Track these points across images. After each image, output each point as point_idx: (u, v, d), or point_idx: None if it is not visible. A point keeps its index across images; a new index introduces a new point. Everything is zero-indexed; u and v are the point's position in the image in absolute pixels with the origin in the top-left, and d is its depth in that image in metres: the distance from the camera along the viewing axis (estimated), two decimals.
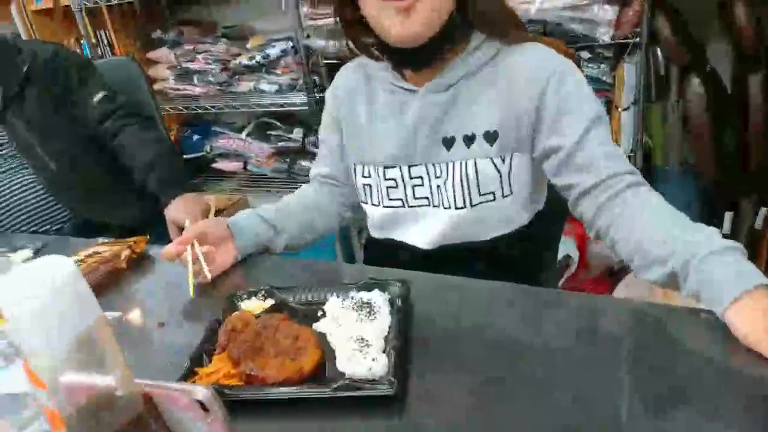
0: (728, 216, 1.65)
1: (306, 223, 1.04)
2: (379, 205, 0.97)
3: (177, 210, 1.29)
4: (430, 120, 0.89)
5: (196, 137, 2.48)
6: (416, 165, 0.92)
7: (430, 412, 0.59)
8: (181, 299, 0.87)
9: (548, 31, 1.55)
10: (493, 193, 0.89)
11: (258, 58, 2.09)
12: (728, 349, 0.63)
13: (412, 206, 0.94)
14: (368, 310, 0.71)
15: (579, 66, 0.92)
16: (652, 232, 0.74)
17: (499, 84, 0.85)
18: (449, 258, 0.93)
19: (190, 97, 2.30)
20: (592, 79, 1.64)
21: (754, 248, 1.70)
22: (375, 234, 1.03)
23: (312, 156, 2.25)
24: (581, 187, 0.82)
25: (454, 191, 0.89)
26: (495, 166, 0.87)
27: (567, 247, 1.78)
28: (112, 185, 1.46)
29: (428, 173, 0.91)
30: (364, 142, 0.96)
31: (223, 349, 0.69)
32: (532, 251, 0.99)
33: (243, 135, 2.36)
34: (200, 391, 0.52)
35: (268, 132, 2.31)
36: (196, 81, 2.26)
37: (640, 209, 0.77)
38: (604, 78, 1.62)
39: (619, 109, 1.63)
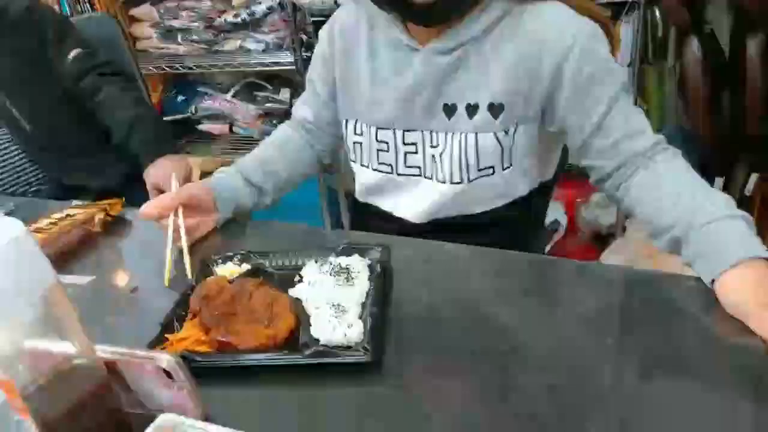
0: (719, 181, 1.63)
1: (289, 176, 1.01)
2: (368, 166, 0.93)
3: (158, 172, 1.25)
4: (431, 83, 0.82)
5: (180, 98, 2.41)
6: (412, 130, 0.86)
7: (406, 379, 0.58)
8: (156, 264, 0.84)
9: None
10: (493, 167, 0.84)
11: (244, 15, 2.02)
12: (713, 316, 0.61)
13: (401, 174, 0.90)
14: (346, 275, 0.69)
15: (608, 26, 0.81)
16: (663, 203, 0.71)
17: (510, 50, 0.78)
18: (439, 231, 0.88)
19: (174, 56, 2.23)
20: None
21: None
22: (362, 199, 1.00)
23: None
24: (603, 171, 0.79)
25: (451, 165, 0.84)
26: (498, 140, 0.82)
27: (555, 212, 1.76)
28: (89, 146, 1.41)
29: (423, 141, 0.86)
30: (359, 99, 0.90)
31: (195, 315, 0.67)
32: (527, 221, 0.95)
33: (229, 96, 2.30)
34: (164, 359, 0.50)
35: (255, 93, 2.25)
36: (180, 39, 2.18)
37: (656, 184, 0.74)
38: None
39: None
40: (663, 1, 1.50)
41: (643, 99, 1.68)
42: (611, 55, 0.78)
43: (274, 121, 2.23)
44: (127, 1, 2.31)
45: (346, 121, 0.94)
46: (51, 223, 0.91)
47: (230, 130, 2.34)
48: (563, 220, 1.76)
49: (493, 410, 0.53)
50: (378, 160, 0.91)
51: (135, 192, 1.24)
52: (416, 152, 0.87)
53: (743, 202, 1.67)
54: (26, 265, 0.43)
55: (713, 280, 0.63)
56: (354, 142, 0.93)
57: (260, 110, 2.23)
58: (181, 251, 0.80)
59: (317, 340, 0.60)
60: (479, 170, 0.84)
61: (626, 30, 1.54)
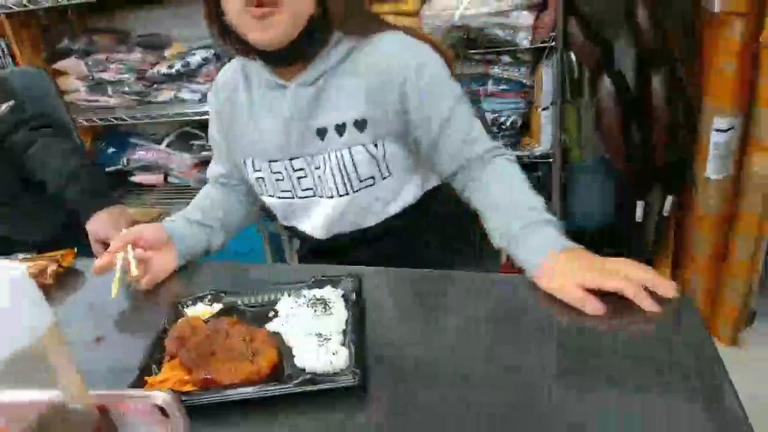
0: (640, 204, 1.78)
1: (228, 217, 1.04)
2: (273, 195, 0.99)
3: (100, 223, 1.22)
4: (302, 113, 0.90)
5: (111, 150, 2.35)
6: (296, 158, 0.94)
7: (394, 400, 0.60)
8: (117, 313, 0.82)
9: (471, 37, 1.61)
10: (373, 178, 0.92)
11: (178, 66, 2.03)
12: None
13: (300, 197, 0.97)
14: (323, 305, 0.71)
15: (447, 56, 0.93)
16: (493, 207, 0.83)
17: (360, 75, 0.87)
18: (343, 245, 0.98)
19: (104, 108, 2.19)
20: (512, 82, 1.72)
21: (663, 232, 1.84)
22: (284, 223, 1.05)
23: None
24: (447, 171, 0.91)
25: (334, 180, 0.92)
26: (369, 152, 0.90)
27: None
28: (21, 200, 1.36)
29: (308, 164, 0.94)
30: (249, 138, 0.97)
31: (172, 357, 0.66)
32: (420, 228, 1.01)
33: (163, 146, 2.27)
34: (160, 396, 0.50)
35: (191, 142, 2.23)
36: (110, 92, 2.15)
37: (487, 189, 0.86)
38: (524, 81, 1.70)
39: (539, 109, 1.72)
40: (576, 46, 1.65)
41: (565, 133, 1.82)
42: (441, 70, 0.89)
43: None
44: (50, 56, 2.26)
45: (244, 161, 0.99)
46: None
47: (165, 180, 2.30)
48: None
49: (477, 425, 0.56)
50: (279, 188, 0.97)
51: (72, 242, 1.20)
52: (306, 176, 0.95)
53: (662, 222, 1.82)
54: (28, 308, 0.42)
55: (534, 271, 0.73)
56: (256, 178, 0.99)
57: (196, 159, 2.22)
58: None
59: (302, 370, 0.62)
60: (360, 181, 0.92)
61: (547, 73, 1.68)
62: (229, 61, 1.78)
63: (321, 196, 0.95)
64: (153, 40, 2.22)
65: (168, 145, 2.26)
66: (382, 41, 0.88)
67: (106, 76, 2.13)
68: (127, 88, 2.12)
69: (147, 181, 2.31)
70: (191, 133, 2.27)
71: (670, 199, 1.74)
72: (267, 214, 1.15)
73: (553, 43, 1.63)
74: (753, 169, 1.52)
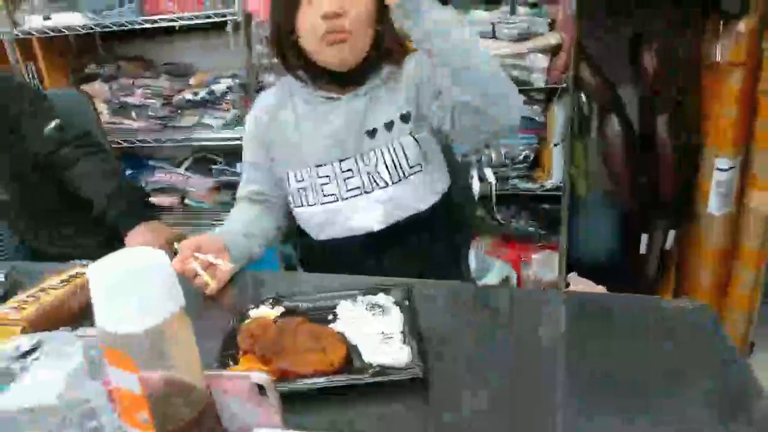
0: (644, 238, 1.86)
1: (264, 232, 1.10)
2: (315, 204, 1.06)
3: (139, 238, 1.28)
4: (355, 120, 1.03)
5: (129, 172, 2.42)
6: (346, 159, 1.04)
7: (453, 392, 0.66)
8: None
9: None
10: (420, 164, 1.03)
11: (203, 93, 2.12)
12: (659, 335, 0.75)
13: (345, 198, 1.04)
14: (381, 309, 0.77)
15: None
16: None
17: (400, 82, 1.05)
18: (398, 235, 1.05)
19: (127, 131, 2.26)
20: (526, 119, 1.82)
21: (666, 265, 1.92)
22: (316, 236, 1.10)
23: None
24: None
25: (387, 170, 1.02)
26: (415, 140, 1.03)
27: (505, 269, 1.91)
28: (64, 216, 1.42)
29: (357, 164, 1.03)
30: (294, 151, 1.07)
31: (245, 353, 0.72)
32: (457, 216, 1.16)
33: (181, 169, 2.34)
34: (258, 376, 0.56)
35: (210, 166, 2.31)
36: (134, 115, 2.23)
37: None
38: (537, 118, 1.81)
39: (551, 145, 1.82)
40: (586, 88, 1.76)
41: (574, 168, 1.92)
42: None
43: (230, 192, 2.28)
44: (77, 80, 2.34)
45: (287, 174, 1.08)
46: (63, 281, 0.92)
47: (181, 202, 2.36)
48: (513, 276, 1.92)
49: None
50: (323, 193, 1.05)
51: None
52: (353, 176, 1.04)
53: (664, 256, 1.90)
54: (165, 288, 0.48)
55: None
56: (298, 189, 1.07)
57: (216, 182, 2.29)
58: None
59: (370, 364, 0.68)
60: (411, 167, 1.03)
61: (559, 111, 1.78)
62: (259, 89, 1.90)
63: (370, 191, 1.03)
64: (178, 68, 2.31)
65: (186, 169, 2.33)
66: (411, 58, 1.06)
67: (131, 100, 2.21)
68: (152, 113, 2.20)
69: (162, 202, 2.37)
70: (209, 158, 2.35)
71: (673, 233, 1.83)
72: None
73: (565, 85, 1.74)
74: (752, 205, 1.61)
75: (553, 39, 1.65)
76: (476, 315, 0.83)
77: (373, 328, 0.73)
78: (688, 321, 0.76)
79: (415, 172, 1.03)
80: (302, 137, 1.06)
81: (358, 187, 1.04)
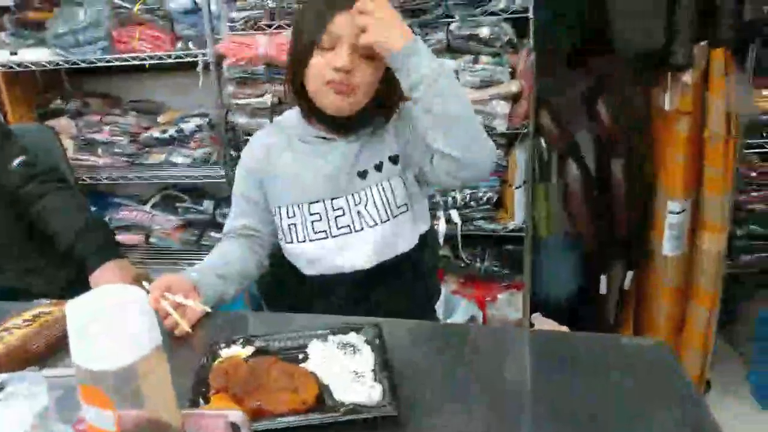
0: (603, 278, 1.93)
1: (242, 271, 1.10)
2: (305, 240, 1.08)
3: (105, 276, 1.26)
4: (348, 161, 1.06)
5: (93, 209, 2.38)
6: (337, 197, 1.07)
7: (425, 429, 0.67)
8: None
9: None
10: (406, 204, 1.08)
11: (171, 131, 2.12)
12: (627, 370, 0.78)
13: (335, 236, 1.07)
14: (352, 348, 0.78)
15: None
16: None
17: (389, 126, 1.09)
18: (384, 274, 1.07)
19: (92, 167, 2.24)
20: None
21: (624, 305, 1.98)
22: (306, 271, 1.11)
23: (222, 227, 2.25)
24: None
25: (377, 209, 1.06)
26: (403, 181, 1.07)
27: (471, 308, 1.94)
28: (28, 252, 1.39)
29: (348, 203, 1.06)
30: (288, 187, 1.09)
31: (218, 391, 0.72)
32: (430, 257, 1.19)
33: (147, 207, 2.32)
34: (234, 414, 0.57)
35: (176, 204, 2.29)
36: (100, 152, 2.21)
37: None
38: (499, 161, 1.88)
39: (513, 187, 1.88)
40: (545, 133, 1.85)
41: (535, 210, 1.98)
42: None
43: (195, 231, 2.27)
44: (42, 115, 2.32)
45: (278, 209, 1.10)
46: (26, 321, 0.91)
47: (146, 241, 2.33)
48: (479, 316, 1.95)
49: None
50: (314, 230, 1.08)
51: (79, 294, 1.23)
52: (343, 214, 1.07)
53: (623, 295, 1.97)
54: (143, 325, 0.49)
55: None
56: (289, 225, 1.09)
57: (181, 221, 2.27)
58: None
59: (342, 403, 0.69)
60: (398, 207, 1.07)
61: (520, 155, 1.86)
62: (229, 129, 1.93)
63: (359, 230, 1.06)
64: (146, 106, 2.32)
65: (152, 207, 2.31)
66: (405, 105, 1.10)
67: (98, 136, 2.20)
68: (119, 150, 2.19)
69: (126, 240, 2.33)
70: (176, 196, 2.34)
71: (630, 273, 1.90)
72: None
73: (526, 130, 1.82)
74: (703, 246, 1.70)
75: (513, 87, 1.73)
76: (446, 353, 0.85)
77: (345, 366, 0.74)
78: (646, 358, 0.79)
79: (402, 212, 1.07)
80: (296, 174, 1.09)
81: (348, 225, 1.06)
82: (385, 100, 1.06)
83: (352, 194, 1.06)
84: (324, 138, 1.08)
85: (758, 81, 1.67)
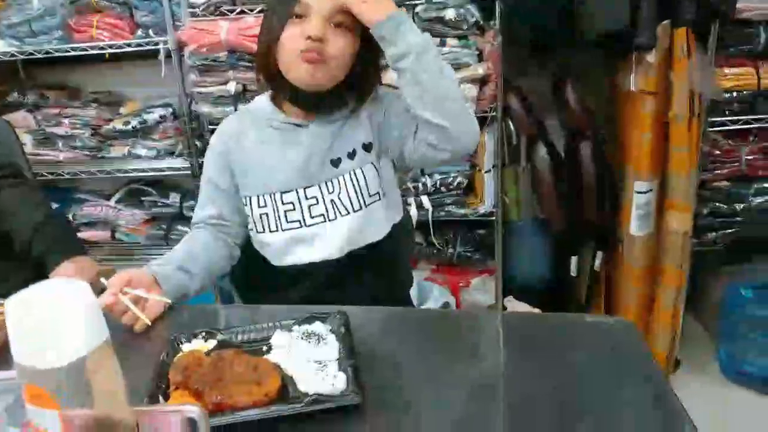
0: (573, 260, 1.95)
1: (208, 265, 1.07)
2: (277, 230, 1.06)
3: (67, 273, 1.22)
4: (320, 148, 1.04)
5: (55, 205, 2.31)
6: (310, 186, 1.04)
7: (391, 417, 0.66)
8: None
9: None
10: (378, 193, 1.06)
11: (134, 123, 2.06)
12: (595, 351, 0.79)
13: (309, 225, 1.05)
14: (317, 338, 0.77)
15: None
16: None
17: (361, 113, 1.07)
18: (357, 263, 1.06)
19: (52, 162, 2.17)
20: None
21: (595, 286, 2.01)
22: (276, 262, 1.09)
23: (190, 220, 2.20)
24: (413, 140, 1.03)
25: (349, 198, 1.04)
26: (375, 169, 1.06)
27: (444, 294, 1.94)
28: None
29: (321, 191, 1.05)
30: (259, 175, 1.06)
31: (177, 387, 0.70)
32: (404, 245, 1.21)
33: (112, 202, 2.26)
34: (190, 409, 0.55)
35: (142, 198, 2.24)
36: (61, 146, 2.14)
37: None
38: None
39: (482, 171, 1.88)
40: (514, 117, 1.85)
41: (505, 194, 1.99)
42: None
43: (162, 225, 2.22)
44: None
45: (249, 199, 1.07)
46: None
47: (112, 236, 2.27)
48: (452, 302, 1.95)
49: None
50: (287, 219, 1.06)
51: None
52: (317, 203, 1.05)
53: (593, 276, 1.99)
54: (86, 321, 0.47)
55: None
56: (260, 214, 1.07)
57: (147, 215, 2.22)
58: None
59: (306, 393, 0.67)
60: (371, 196, 1.05)
61: (489, 138, 1.85)
62: (193, 118, 1.87)
63: (333, 219, 1.04)
64: (107, 97, 2.25)
65: (117, 201, 2.25)
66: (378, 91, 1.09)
67: (58, 130, 2.13)
68: (80, 143, 2.12)
69: (92, 237, 2.27)
70: (141, 190, 2.28)
71: (600, 254, 1.92)
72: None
73: (494, 113, 1.81)
74: (670, 226, 1.72)
75: (480, 70, 1.72)
76: (415, 339, 0.84)
77: (309, 357, 0.73)
78: (611, 337, 0.80)
79: (374, 201, 1.06)
80: (267, 163, 1.06)
81: (322, 215, 1.05)
82: (360, 81, 1.04)
83: (325, 182, 1.04)
84: (295, 125, 1.05)
85: (720, 60, 1.69)
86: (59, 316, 0.45)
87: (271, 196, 1.05)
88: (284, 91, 1.03)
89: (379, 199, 1.06)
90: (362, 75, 1.03)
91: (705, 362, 1.96)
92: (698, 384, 1.89)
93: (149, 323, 0.87)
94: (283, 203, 1.05)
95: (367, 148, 1.06)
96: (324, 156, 1.04)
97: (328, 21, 0.95)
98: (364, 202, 1.05)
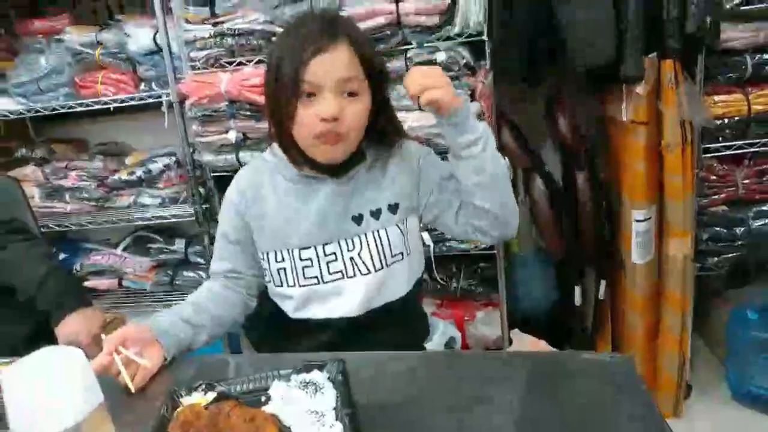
0: (577, 290, 1.94)
1: (218, 317, 1.08)
2: (294, 285, 1.06)
3: (72, 326, 1.24)
4: (339, 203, 1.04)
5: (63, 256, 2.35)
6: (329, 243, 1.04)
7: None
8: (109, 407, 0.86)
9: None
10: (402, 253, 1.06)
11: (139, 173, 2.11)
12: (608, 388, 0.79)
13: (326, 282, 1.05)
14: (314, 387, 0.78)
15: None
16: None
17: (389, 170, 1.06)
18: (375, 319, 1.06)
19: (59, 214, 2.22)
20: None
21: (600, 315, 2.00)
22: (292, 315, 1.09)
23: (195, 266, 2.25)
24: (454, 209, 1.05)
25: (371, 257, 1.03)
26: (400, 230, 1.05)
27: (450, 329, 1.94)
28: None
29: (341, 248, 1.04)
30: (276, 230, 1.06)
31: None
32: (417, 306, 1.20)
33: (119, 250, 2.30)
34: None
35: (148, 245, 2.28)
36: (68, 198, 2.19)
37: None
38: None
39: None
40: (509, 151, 1.88)
41: None
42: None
43: (169, 272, 2.25)
44: (7, 164, 2.30)
45: (266, 254, 1.07)
46: None
47: (119, 285, 2.30)
48: (458, 337, 1.95)
49: None
50: (304, 276, 1.05)
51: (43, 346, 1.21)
52: (336, 259, 1.04)
53: (598, 305, 1.99)
54: (82, 387, 0.49)
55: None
56: (278, 269, 1.07)
57: (153, 262, 2.25)
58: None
59: None
60: (393, 256, 1.05)
61: None
62: (196, 167, 1.90)
63: (352, 276, 1.04)
64: (112, 148, 2.32)
65: (124, 249, 2.29)
66: (403, 144, 1.09)
67: (65, 183, 2.18)
68: (86, 195, 2.17)
69: (102, 285, 2.30)
70: (147, 237, 2.32)
71: (603, 283, 1.92)
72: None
73: None
74: (670, 252, 1.72)
75: (474, 109, 1.76)
76: (415, 384, 0.85)
77: (306, 407, 0.74)
78: (608, 374, 0.80)
79: (397, 261, 1.05)
80: (285, 218, 1.05)
81: (341, 271, 1.04)
82: (377, 134, 1.04)
83: (345, 239, 1.04)
84: (313, 178, 1.04)
85: (709, 88, 1.72)
86: (53, 385, 0.47)
87: (289, 252, 1.05)
88: (305, 159, 1.02)
89: (402, 258, 1.06)
90: (377, 125, 1.03)
91: (716, 386, 1.94)
92: (710, 408, 1.87)
93: (133, 391, 0.87)
94: (301, 259, 1.04)
95: (393, 209, 1.05)
96: (344, 211, 1.04)
97: (341, 94, 0.94)
98: (386, 262, 1.04)
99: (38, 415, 0.46)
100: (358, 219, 1.04)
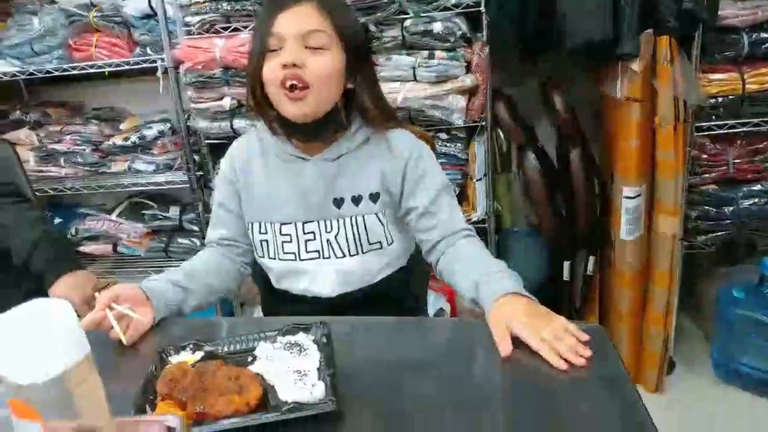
0: (566, 265, 1.97)
1: (211, 284, 1.10)
2: (275, 258, 1.09)
3: (65, 289, 1.26)
4: (322, 183, 1.05)
5: (58, 220, 2.36)
6: (309, 221, 1.07)
7: (368, 425, 0.69)
8: (100, 365, 0.88)
9: (412, 116, 1.81)
10: (380, 242, 1.07)
11: (134, 138, 2.11)
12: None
13: (303, 259, 1.08)
14: (299, 348, 0.80)
15: (434, 145, 1.24)
16: (463, 272, 0.99)
17: (376, 158, 1.06)
18: (349, 303, 1.08)
19: (54, 179, 2.22)
20: (449, 156, 1.91)
21: (589, 290, 2.03)
22: (277, 285, 1.14)
23: (189, 233, 2.26)
24: (431, 242, 1.06)
25: (347, 241, 1.06)
26: (379, 219, 1.06)
27: (439, 301, 1.97)
28: None
29: (320, 229, 1.07)
30: (262, 203, 1.09)
31: (164, 398, 0.73)
32: (411, 285, 1.20)
33: (114, 216, 2.30)
34: (171, 419, 0.58)
35: (143, 212, 2.28)
36: (62, 162, 2.19)
37: (462, 254, 1.02)
38: (459, 155, 1.90)
39: (473, 180, 1.91)
40: (503, 125, 1.88)
41: (497, 202, 2.02)
42: (434, 161, 1.10)
43: (163, 238, 2.26)
44: (1, 127, 2.29)
45: (251, 224, 1.11)
46: None
47: (114, 250, 2.32)
48: (447, 308, 1.98)
49: None
50: (283, 250, 1.08)
51: None
52: (314, 239, 1.07)
53: (586, 281, 2.01)
54: (67, 337, 0.50)
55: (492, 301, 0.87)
56: (261, 240, 1.10)
57: (147, 228, 2.26)
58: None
59: (286, 402, 0.70)
60: (370, 244, 1.07)
61: (479, 148, 1.88)
62: (191, 133, 1.90)
63: (327, 258, 1.07)
64: (107, 113, 2.30)
65: (119, 215, 2.30)
66: (394, 134, 1.08)
67: (59, 147, 2.18)
68: (81, 159, 2.17)
69: (94, 251, 2.31)
70: (142, 203, 2.33)
71: (592, 259, 1.94)
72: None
73: (483, 123, 1.84)
74: (659, 230, 1.74)
75: (469, 81, 1.75)
76: (399, 348, 0.87)
77: (290, 367, 0.76)
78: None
79: (374, 249, 1.07)
80: (270, 192, 1.08)
81: (317, 251, 1.07)
82: (356, 98, 1.03)
83: (324, 221, 1.06)
84: (300, 157, 1.06)
85: (704, 66, 1.71)
86: (41, 334, 0.48)
87: (271, 225, 1.08)
88: (280, 125, 1.04)
89: (381, 247, 1.07)
90: (363, 93, 1.03)
91: (699, 363, 1.98)
92: (692, 383, 1.91)
93: (126, 343, 0.90)
94: (281, 234, 1.07)
95: (373, 198, 1.06)
96: (326, 193, 1.05)
97: (303, 45, 0.96)
98: (362, 249, 1.06)
99: (25, 364, 0.48)
100: (338, 202, 1.06)
